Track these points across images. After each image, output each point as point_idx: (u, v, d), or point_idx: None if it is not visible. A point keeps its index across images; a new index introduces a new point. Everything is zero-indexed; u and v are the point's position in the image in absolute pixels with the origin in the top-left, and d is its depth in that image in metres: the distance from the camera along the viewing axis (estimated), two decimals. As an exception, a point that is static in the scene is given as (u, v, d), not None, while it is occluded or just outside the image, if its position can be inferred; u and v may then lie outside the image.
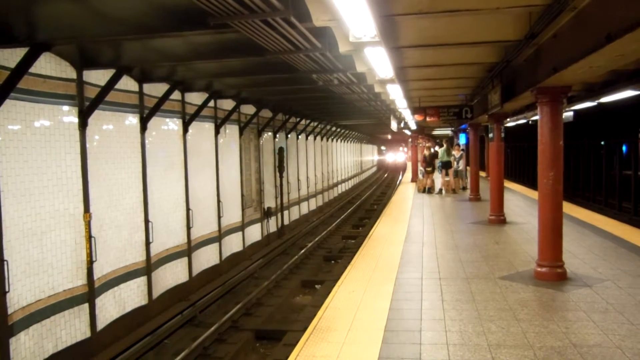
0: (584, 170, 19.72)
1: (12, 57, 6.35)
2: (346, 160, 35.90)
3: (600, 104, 12.14)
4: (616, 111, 14.75)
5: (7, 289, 6.25)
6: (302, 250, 15.01)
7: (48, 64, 7.10)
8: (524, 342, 4.77)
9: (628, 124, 15.53)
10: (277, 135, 18.20)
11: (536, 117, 7.31)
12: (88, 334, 7.80)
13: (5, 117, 6.38)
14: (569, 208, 12.72)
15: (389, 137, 53.86)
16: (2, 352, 6.20)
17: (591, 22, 4.74)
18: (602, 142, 18.28)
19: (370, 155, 58.24)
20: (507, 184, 18.67)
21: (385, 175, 54.06)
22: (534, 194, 15.86)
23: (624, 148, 16.78)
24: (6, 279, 6.24)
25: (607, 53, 4.61)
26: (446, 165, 19.30)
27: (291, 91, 13.09)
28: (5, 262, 6.24)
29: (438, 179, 20.22)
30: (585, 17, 4.90)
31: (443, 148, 19.93)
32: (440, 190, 19.28)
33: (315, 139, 24.86)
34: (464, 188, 19.83)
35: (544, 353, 4.52)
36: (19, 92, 6.52)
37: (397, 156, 68.17)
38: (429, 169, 19.37)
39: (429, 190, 19.37)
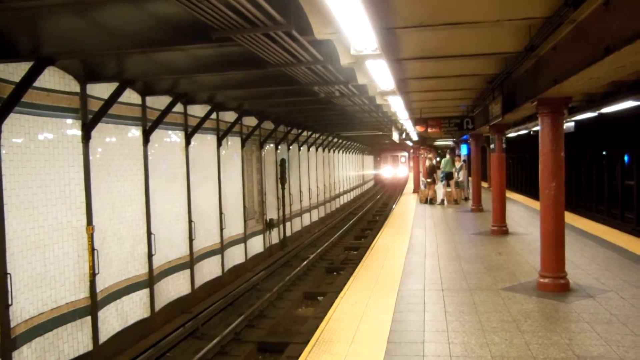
0: (586, 180, 19.71)
1: (16, 71, 6.42)
2: (348, 171, 35.89)
3: (601, 115, 12.16)
4: (617, 121, 14.77)
5: (10, 302, 6.26)
6: (305, 262, 14.98)
7: (52, 78, 7.17)
8: (528, 354, 4.75)
9: (630, 134, 15.55)
10: (279, 147, 18.26)
11: (537, 128, 7.32)
12: (90, 347, 7.78)
13: (9, 131, 6.42)
14: (571, 218, 12.72)
15: (388, 146, 46.10)
16: (5, 366, 6.19)
17: (590, 35, 4.78)
18: (604, 153, 18.29)
19: (370, 167, 52.96)
20: (509, 194, 18.66)
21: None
22: (536, 205, 15.84)
23: (625, 158, 16.78)
24: (9, 292, 6.24)
25: (606, 65, 4.64)
26: (448, 176, 19.31)
27: (293, 103, 13.15)
28: (8, 275, 6.25)
29: (440, 189, 20.23)
30: (585, 30, 4.94)
31: (445, 159, 19.97)
32: (442, 201, 19.27)
33: (317, 150, 24.91)
34: (466, 199, 19.82)
35: (548, 365, 4.51)
36: (23, 105, 6.58)
37: (397, 170, 52.22)
38: (430, 179, 19.39)
39: (430, 201, 19.37)
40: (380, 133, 24.21)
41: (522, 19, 5.34)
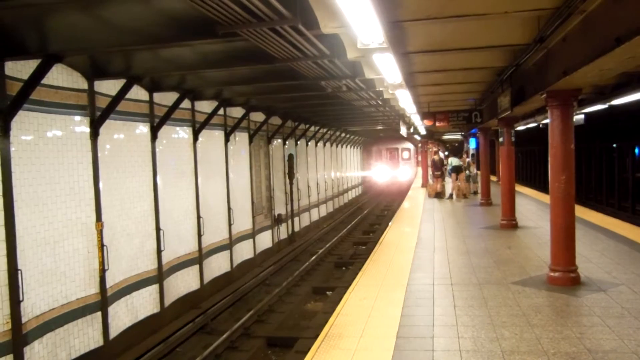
0: (596, 173, 19.56)
1: (24, 68, 6.44)
2: (356, 166, 35.68)
3: (611, 107, 12.03)
4: (628, 114, 14.62)
5: (21, 298, 6.30)
6: (313, 257, 14.99)
7: (60, 75, 7.19)
8: (538, 348, 4.72)
9: (640, 127, 15.40)
10: (287, 142, 18.24)
11: (547, 121, 7.25)
12: (101, 342, 7.83)
13: (18, 128, 6.45)
14: (581, 212, 12.62)
15: (383, 135, 32.74)
16: (17, 361, 6.24)
17: (600, 25, 4.72)
18: (614, 145, 18.12)
19: (356, 167, 35.80)
20: (519, 188, 18.55)
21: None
22: (545, 198, 15.73)
23: (636, 150, 16.62)
24: (20, 288, 6.29)
25: (617, 56, 4.58)
26: (456, 170, 19.22)
27: (300, 98, 13.12)
28: (19, 272, 6.29)
29: (449, 184, 20.15)
30: (594, 20, 4.87)
31: (452, 159, 19.92)
32: (451, 195, 19.19)
33: (324, 145, 24.87)
34: (475, 193, 19.73)
35: (559, 359, 4.48)
36: (32, 102, 6.60)
37: (398, 171, 34.92)
38: (438, 173, 19.32)
39: (438, 195, 19.30)
40: (389, 128, 24.10)
41: (531, 10, 5.28)
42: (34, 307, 6.61)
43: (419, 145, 31.32)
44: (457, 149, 23.93)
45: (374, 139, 35.49)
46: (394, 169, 35.15)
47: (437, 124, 14.36)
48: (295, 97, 12.95)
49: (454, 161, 19.22)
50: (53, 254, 7.00)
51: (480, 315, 5.70)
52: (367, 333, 5.31)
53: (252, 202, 14.52)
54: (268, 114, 15.17)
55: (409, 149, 35.39)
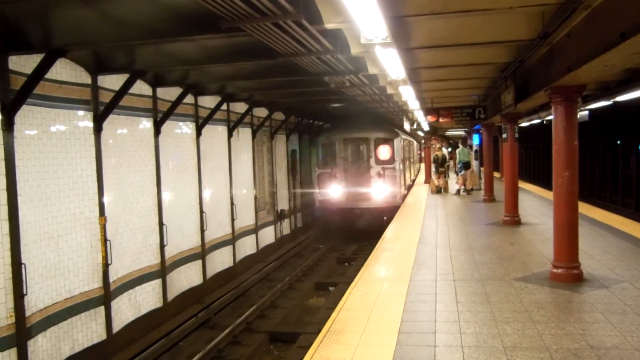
0: (600, 169, 19.50)
1: (28, 63, 6.45)
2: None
3: (616, 103, 11.98)
4: (633, 110, 14.55)
5: (25, 292, 6.33)
6: (316, 253, 15.00)
7: (63, 70, 7.20)
8: (540, 344, 4.72)
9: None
10: (290, 138, 18.23)
11: (550, 117, 7.23)
12: (104, 336, 7.87)
13: (22, 122, 6.47)
14: (584, 208, 12.58)
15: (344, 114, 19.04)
16: (21, 354, 6.27)
17: (605, 21, 4.69)
18: (618, 142, 18.06)
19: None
20: (522, 184, 18.50)
21: None
22: (548, 195, 15.69)
23: (640, 147, 16.57)
24: (24, 282, 6.32)
25: (621, 51, 4.55)
26: (466, 166, 19.09)
27: (303, 94, 13.12)
28: (22, 266, 6.32)
29: (453, 180, 20.10)
30: (599, 16, 4.85)
31: (459, 149, 19.82)
32: (458, 190, 19.07)
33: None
34: (478, 189, 19.63)
35: (561, 355, 4.47)
36: (35, 97, 6.62)
37: (374, 187, 17.03)
38: (442, 169, 19.27)
39: (439, 190, 19.24)
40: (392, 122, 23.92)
41: (536, 5, 5.26)
42: (37, 300, 6.64)
43: (422, 140, 30.93)
44: (464, 139, 23.44)
45: (323, 119, 20.86)
46: (360, 183, 17.54)
47: (441, 120, 14.33)
48: (298, 93, 12.95)
49: (462, 155, 18.95)
50: (56, 248, 7.03)
51: (483, 311, 5.69)
52: (369, 328, 5.32)
53: (255, 198, 14.54)
54: (271, 110, 15.17)
55: (389, 141, 17.61)
